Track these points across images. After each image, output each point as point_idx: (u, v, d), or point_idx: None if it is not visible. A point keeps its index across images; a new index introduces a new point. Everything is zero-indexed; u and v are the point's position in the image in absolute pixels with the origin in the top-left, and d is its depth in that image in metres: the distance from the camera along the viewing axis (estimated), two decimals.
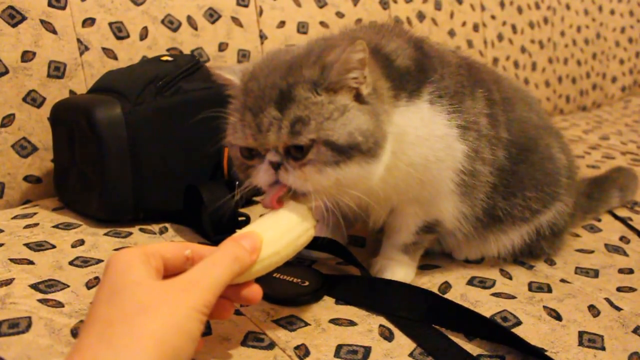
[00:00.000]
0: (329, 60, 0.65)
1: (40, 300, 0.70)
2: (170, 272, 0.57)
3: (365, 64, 0.66)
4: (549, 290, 0.82)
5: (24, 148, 1.04)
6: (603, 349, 0.71)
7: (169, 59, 1.03)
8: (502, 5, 1.82)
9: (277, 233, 0.62)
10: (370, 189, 0.71)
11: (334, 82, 0.65)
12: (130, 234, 0.91)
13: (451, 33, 1.69)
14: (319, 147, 0.64)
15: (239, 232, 0.62)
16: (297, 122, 0.63)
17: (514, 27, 1.86)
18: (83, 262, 0.80)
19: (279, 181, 0.66)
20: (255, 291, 0.61)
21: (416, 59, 0.76)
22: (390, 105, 0.71)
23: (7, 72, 1.02)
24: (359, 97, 0.67)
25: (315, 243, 0.81)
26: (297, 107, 0.64)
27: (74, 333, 0.64)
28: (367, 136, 0.66)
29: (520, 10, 1.88)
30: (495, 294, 0.80)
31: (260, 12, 1.32)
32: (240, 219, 0.93)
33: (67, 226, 0.91)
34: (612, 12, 2.19)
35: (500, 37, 1.82)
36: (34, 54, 1.04)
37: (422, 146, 0.72)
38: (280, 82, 0.65)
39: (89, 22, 1.11)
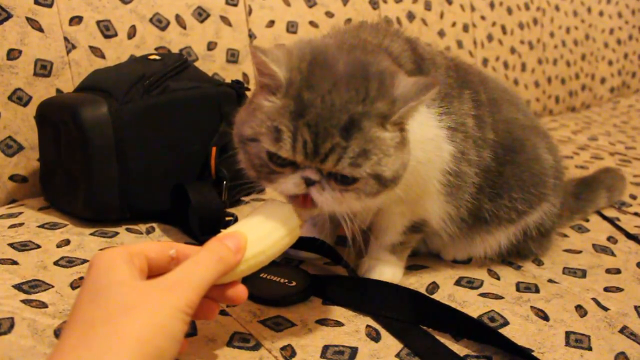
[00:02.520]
0: (400, 95, 0.63)
1: (23, 301, 0.69)
2: (154, 272, 0.57)
3: None
4: (537, 291, 0.82)
5: (10, 147, 1.03)
6: (590, 349, 0.71)
7: (157, 57, 1.02)
8: (491, 6, 1.83)
9: (262, 233, 0.62)
10: None
11: (400, 118, 0.64)
12: (117, 233, 0.90)
13: (441, 33, 1.69)
14: (368, 180, 0.63)
15: (223, 232, 0.61)
16: (361, 155, 0.61)
17: (503, 28, 1.86)
18: (68, 262, 0.79)
19: (306, 195, 0.64)
20: (240, 291, 0.60)
21: (415, 61, 0.76)
22: None
23: None
24: (402, 127, 0.66)
25: (303, 243, 0.81)
26: (363, 138, 0.61)
27: (58, 334, 0.64)
28: (405, 167, 0.67)
29: (510, 11, 1.88)
30: (482, 294, 0.80)
31: (250, 12, 1.31)
32: (227, 218, 0.93)
33: (52, 226, 0.90)
34: (601, 14, 2.20)
35: (490, 38, 1.82)
36: (20, 52, 1.03)
37: (415, 148, 0.71)
38: (352, 109, 0.61)
39: (76, 20, 1.10)
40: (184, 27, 1.21)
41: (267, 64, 0.63)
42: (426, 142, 0.73)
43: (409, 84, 0.64)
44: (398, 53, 0.75)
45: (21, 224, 0.90)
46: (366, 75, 0.64)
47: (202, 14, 1.24)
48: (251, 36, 1.31)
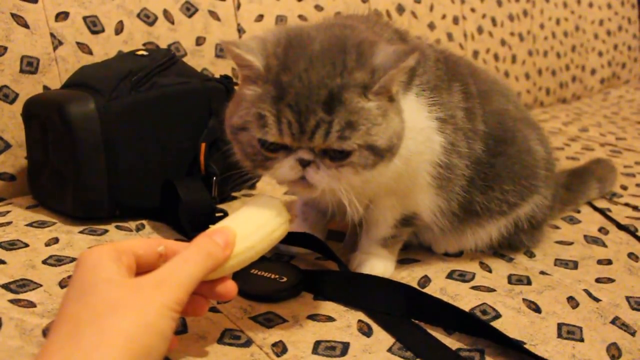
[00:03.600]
0: (379, 64, 0.63)
1: (11, 301, 0.68)
2: (143, 269, 0.56)
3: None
4: (529, 283, 0.82)
5: None
6: (582, 340, 0.71)
7: (145, 53, 1.01)
8: None
9: (251, 228, 0.61)
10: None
11: (382, 87, 0.64)
12: (106, 231, 0.89)
13: (431, 26, 1.69)
14: (361, 151, 0.63)
15: (212, 227, 0.61)
16: (347, 127, 0.61)
17: (493, 20, 1.86)
18: (57, 261, 0.79)
19: (304, 177, 0.64)
20: (230, 287, 0.60)
21: None
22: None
23: None
24: (390, 97, 0.66)
25: (294, 238, 0.80)
26: (347, 111, 0.62)
27: (46, 333, 0.63)
28: (400, 137, 0.67)
29: (499, 3, 1.88)
30: (474, 287, 0.80)
31: (238, 6, 1.30)
32: (217, 215, 0.92)
33: (41, 224, 0.89)
34: (591, 5, 2.21)
35: (480, 30, 1.82)
36: (6, 48, 1.02)
37: (407, 138, 0.71)
38: (329, 83, 0.62)
39: (62, 16, 1.08)
40: (172, 22, 1.20)
41: (242, 56, 0.64)
42: (417, 132, 0.73)
43: (389, 51, 0.64)
44: (387, 40, 0.75)
45: (9, 223, 0.89)
46: (343, 48, 0.64)
47: (190, 9, 1.23)
48: (240, 30, 1.30)
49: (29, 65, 1.04)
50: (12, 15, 1.03)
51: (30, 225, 0.89)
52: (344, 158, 0.63)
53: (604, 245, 0.96)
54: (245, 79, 0.66)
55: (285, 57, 0.64)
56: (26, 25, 1.04)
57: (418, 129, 0.73)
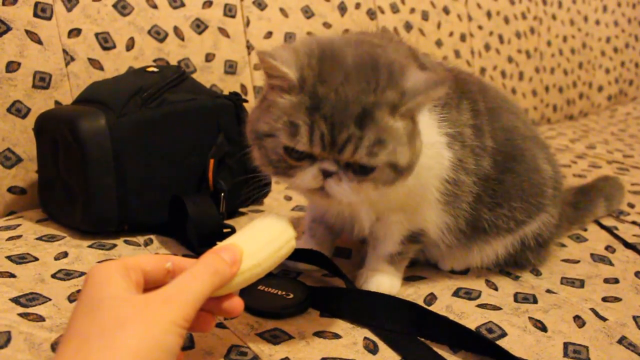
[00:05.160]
0: (410, 87, 0.65)
1: (20, 314, 0.69)
2: (151, 285, 0.57)
3: None
4: (535, 301, 0.82)
5: (8, 159, 1.04)
6: (588, 359, 0.71)
7: (155, 70, 1.02)
8: (489, 15, 1.84)
9: (257, 245, 0.62)
10: None
11: (409, 110, 0.66)
12: (115, 245, 0.90)
13: (438, 43, 1.70)
14: (384, 168, 0.65)
15: (219, 244, 0.61)
16: (377, 144, 0.63)
17: (500, 37, 1.87)
18: (66, 275, 0.79)
19: (323, 188, 0.66)
20: (236, 304, 0.60)
21: (418, 67, 0.76)
22: None
23: None
24: (413, 119, 0.68)
25: (301, 255, 0.81)
26: (377, 128, 0.63)
27: (55, 348, 0.63)
28: (418, 156, 0.69)
29: (507, 20, 1.89)
30: (480, 305, 0.80)
31: (247, 23, 1.32)
32: (225, 230, 0.93)
33: (50, 238, 0.90)
34: (598, 23, 2.21)
35: (487, 47, 1.83)
36: (19, 64, 1.04)
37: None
38: (364, 99, 0.63)
39: (75, 32, 1.10)
40: (182, 39, 1.22)
41: (278, 67, 0.64)
42: (427, 147, 0.73)
43: (420, 78, 0.66)
44: (416, 65, 0.76)
45: (19, 237, 0.90)
46: (376, 66, 0.66)
47: (200, 26, 1.25)
48: (249, 47, 1.31)
49: (42, 81, 1.06)
50: (26, 31, 1.04)
51: (39, 239, 0.90)
52: (367, 173, 0.65)
53: (611, 263, 0.96)
54: (276, 88, 0.66)
55: (321, 70, 0.65)
56: (39, 42, 1.06)
57: (429, 144, 0.74)
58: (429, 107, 0.75)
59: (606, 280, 0.90)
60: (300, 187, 0.68)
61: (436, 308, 0.79)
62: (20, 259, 0.82)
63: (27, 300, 0.72)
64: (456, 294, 0.83)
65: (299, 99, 0.64)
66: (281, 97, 0.65)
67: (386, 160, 0.65)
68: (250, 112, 0.72)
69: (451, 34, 1.73)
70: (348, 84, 0.64)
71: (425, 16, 1.66)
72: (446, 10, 1.72)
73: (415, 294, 0.83)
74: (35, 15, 1.06)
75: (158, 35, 1.19)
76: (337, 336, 0.71)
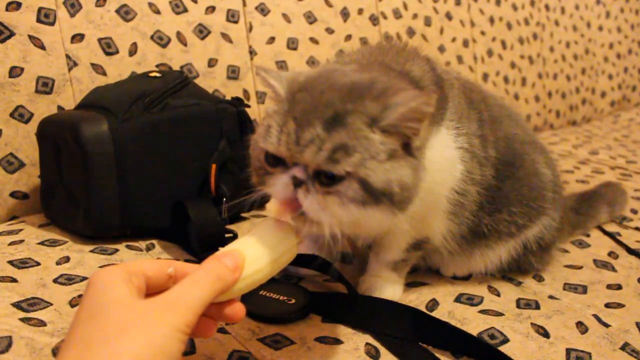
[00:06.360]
0: (395, 102, 0.62)
1: (22, 319, 0.69)
2: (152, 290, 0.57)
3: (427, 117, 0.64)
4: (537, 307, 0.82)
5: (11, 164, 1.04)
6: None
7: (157, 75, 1.03)
8: (491, 21, 1.84)
9: (260, 251, 0.62)
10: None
11: (392, 125, 0.62)
12: (117, 250, 0.90)
13: (441, 49, 1.70)
14: (351, 182, 0.61)
15: (221, 250, 0.61)
16: (340, 149, 0.60)
17: (503, 43, 1.87)
18: (67, 280, 0.79)
19: (296, 199, 0.63)
20: (238, 310, 0.60)
21: (436, 82, 0.76)
22: (426, 139, 0.70)
23: None
24: (407, 148, 0.65)
25: (303, 260, 0.81)
26: (347, 134, 0.60)
27: (56, 353, 0.63)
28: (404, 189, 0.63)
29: (509, 26, 1.89)
30: (482, 311, 0.80)
31: (250, 28, 1.32)
32: (227, 235, 0.93)
33: (52, 243, 0.90)
34: (601, 29, 2.21)
35: (490, 53, 1.83)
36: (22, 69, 1.04)
37: (434, 170, 0.71)
38: (338, 104, 0.62)
39: (78, 37, 1.10)
40: (185, 44, 1.22)
41: (267, 79, 0.68)
42: (443, 163, 0.74)
43: (409, 94, 0.63)
44: (420, 75, 0.75)
45: (21, 241, 0.90)
46: (370, 85, 0.64)
47: (202, 31, 1.25)
48: (252, 52, 1.32)
49: (44, 86, 1.06)
50: (30, 37, 1.05)
51: (41, 243, 0.90)
52: (332, 184, 0.61)
53: (614, 269, 0.96)
54: (272, 99, 0.70)
55: (307, 82, 0.66)
56: (42, 47, 1.06)
57: (444, 159, 0.74)
58: (447, 124, 0.74)
59: (609, 287, 0.90)
60: (274, 196, 0.65)
61: (438, 314, 0.78)
62: (22, 264, 0.82)
63: (28, 305, 0.72)
64: (458, 299, 0.83)
65: (280, 106, 0.65)
66: (271, 107, 0.68)
67: (351, 171, 0.60)
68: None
69: (454, 40, 1.73)
70: (329, 92, 0.63)
71: (428, 22, 1.66)
72: (449, 16, 1.72)
73: (417, 299, 0.82)
74: (39, 20, 1.06)
75: (161, 40, 1.19)
76: (338, 342, 0.71)
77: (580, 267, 0.96)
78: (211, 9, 1.27)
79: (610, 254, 1.01)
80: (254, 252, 0.61)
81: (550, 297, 0.86)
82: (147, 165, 0.93)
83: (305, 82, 0.66)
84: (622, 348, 0.74)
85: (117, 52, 1.14)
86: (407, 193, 0.64)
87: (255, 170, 0.68)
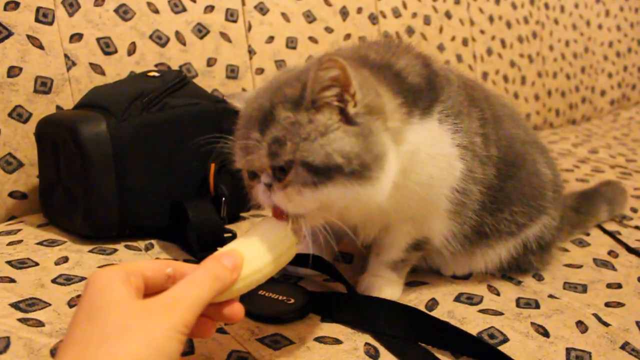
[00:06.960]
0: (305, 78, 0.64)
1: (20, 320, 0.69)
2: (151, 290, 0.57)
3: (345, 81, 0.64)
4: (537, 306, 0.82)
5: (10, 164, 1.04)
6: None
7: (156, 74, 1.03)
8: (491, 20, 1.84)
9: (258, 251, 0.62)
10: (370, 209, 0.70)
11: (312, 101, 0.64)
12: (116, 250, 0.90)
13: (440, 47, 1.70)
14: (297, 168, 0.63)
15: (220, 250, 0.61)
16: (274, 143, 0.64)
17: (503, 42, 1.87)
18: (66, 280, 0.79)
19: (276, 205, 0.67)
20: (236, 310, 0.60)
21: (426, 76, 0.76)
22: (403, 122, 0.70)
23: None
24: (346, 117, 0.65)
25: (302, 260, 0.80)
26: (276, 127, 0.64)
27: (54, 353, 0.63)
28: (351, 158, 0.63)
29: (509, 24, 1.89)
30: (482, 311, 0.80)
31: (249, 28, 1.32)
32: (226, 235, 0.92)
33: (51, 243, 0.90)
34: (600, 27, 2.21)
35: (489, 52, 1.83)
36: (21, 69, 1.04)
37: (430, 164, 0.72)
38: (265, 103, 0.66)
39: (76, 37, 1.10)
40: (184, 44, 1.22)
41: (232, 103, 0.74)
42: (439, 159, 0.73)
43: (314, 67, 0.64)
44: (402, 67, 0.75)
45: (20, 241, 0.90)
46: (298, 75, 0.68)
47: (201, 31, 1.25)
48: (251, 52, 1.31)
49: (43, 86, 1.06)
50: (28, 36, 1.05)
51: (40, 243, 0.90)
52: (283, 179, 0.64)
53: (614, 268, 0.95)
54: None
55: (251, 96, 0.71)
56: (41, 47, 1.06)
57: (440, 155, 0.73)
58: (440, 117, 0.74)
59: (609, 286, 0.89)
60: (263, 205, 0.69)
61: (438, 313, 0.78)
62: (21, 264, 0.82)
63: (26, 305, 0.72)
64: (458, 299, 0.82)
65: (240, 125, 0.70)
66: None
67: (292, 158, 0.63)
68: None
69: (453, 39, 1.73)
70: (262, 95, 0.68)
71: (427, 20, 1.66)
72: (448, 15, 1.72)
73: (416, 299, 0.82)
74: (37, 20, 1.06)
75: (159, 40, 1.19)
76: (338, 341, 0.71)
77: (580, 266, 0.95)
78: (210, 9, 1.26)
79: (610, 252, 1.01)
80: (252, 252, 0.61)
81: (550, 296, 0.86)
82: (146, 165, 0.93)
83: (250, 96, 0.71)
84: (622, 347, 0.74)
85: (115, 51, 1.14)
86: (356, 160, 0.63)
87: (247, 187, 0.73)
